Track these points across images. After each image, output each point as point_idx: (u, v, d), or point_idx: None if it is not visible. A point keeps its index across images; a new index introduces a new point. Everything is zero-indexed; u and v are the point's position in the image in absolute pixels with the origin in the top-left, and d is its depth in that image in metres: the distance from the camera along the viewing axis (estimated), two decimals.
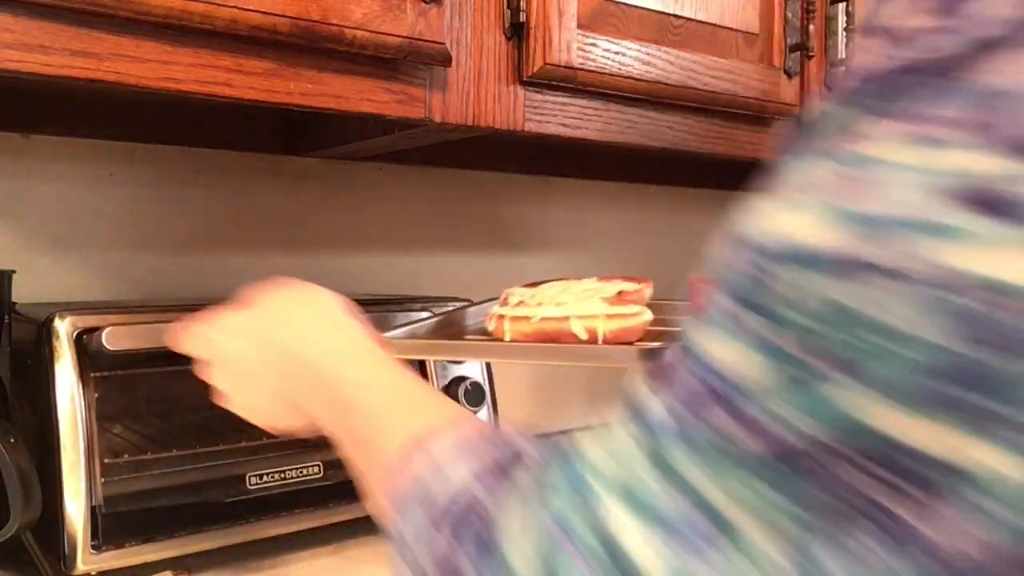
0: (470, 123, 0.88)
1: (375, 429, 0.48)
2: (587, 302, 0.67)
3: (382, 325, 0.96)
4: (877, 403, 0.26)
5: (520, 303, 0.70)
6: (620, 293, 0.70)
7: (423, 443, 0.42)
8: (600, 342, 0.63)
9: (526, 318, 0.65)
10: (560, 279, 0.79)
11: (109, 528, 0.77)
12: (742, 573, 0.28)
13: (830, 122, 0.31)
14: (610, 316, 0.64)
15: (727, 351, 0.29)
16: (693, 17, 1.03)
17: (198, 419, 0.87)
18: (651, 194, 1.60)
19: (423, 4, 0.80)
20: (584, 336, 0.63)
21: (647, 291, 0.74)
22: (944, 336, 0.25)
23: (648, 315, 0.66)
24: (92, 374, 0.78)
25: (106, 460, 0.79)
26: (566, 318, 0.64)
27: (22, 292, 0.90)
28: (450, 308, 0.88)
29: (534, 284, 0.79)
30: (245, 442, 0.87)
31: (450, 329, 0.78)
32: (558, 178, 1.45)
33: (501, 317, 0.67)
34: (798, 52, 1.15)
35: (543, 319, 0.65)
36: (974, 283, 0.25)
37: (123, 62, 0.68)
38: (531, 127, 0.93)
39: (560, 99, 0.95)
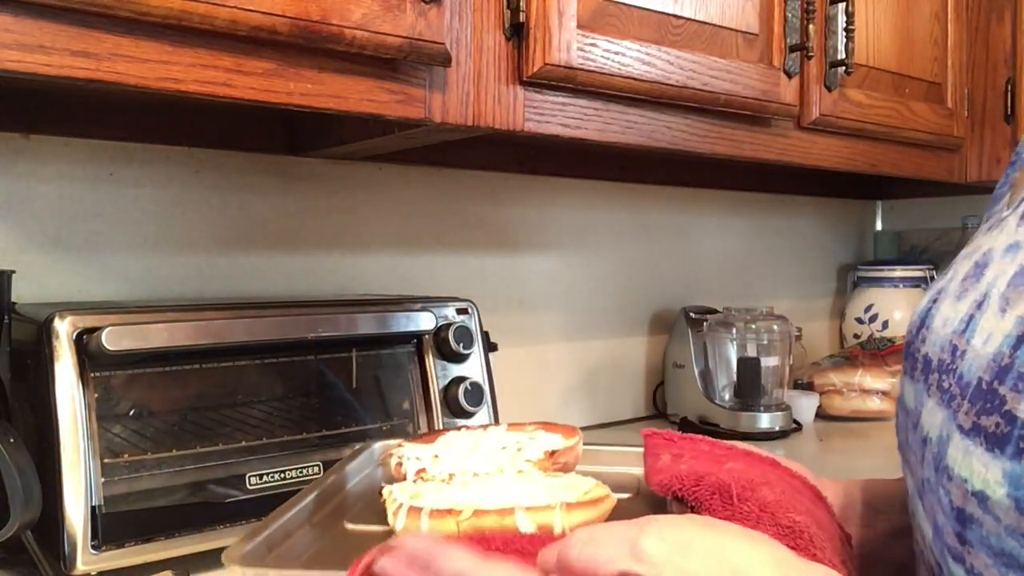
0: (470, 123, 0.88)
1: None
2: (524, 480, 0.51)
3: (382, 325, 0.96)
4: None
5: (420, 472, 0.53)
6: (552, 454, 0.56)
7: None
8: None
9: (450, 513, 0.46)
10: (463, 427, 0.62)
11: (109, 528, 0.77)
12: None
13: None
14: (572, 506, 0.47)
15: None
16: (693, 17, 1.03)
17: (198, 419, 0.87)
18: (651, 194, 1.60)
19: (423, 4, 0.80)
20: (529, 531, 0.47)
21: (580, 446, 0.59)
22: None
23: (613, 499, 0.50)
24: (92, 374, 0.79)
25: (106, 460, 0.79)
26: (509, 511, 0.46)
27: (22, 292, 0.90)
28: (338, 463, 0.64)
29: (426, 436, 0.61)
30: (245, 442, 0.87)
31: (331, 506, 0.56)
32: (558, 178, 1.45)
33: (415, 511, 0.47)
34: (798, 52, 1.15)
35: (476, 513, 0.46)
36: None
37: (123, 62, 0.68)
38: (531, 127, 0.93)
39: (560, 99, 0.95)
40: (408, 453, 0.57)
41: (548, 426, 0.62)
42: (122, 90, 0.70)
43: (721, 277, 1.72)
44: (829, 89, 1.21)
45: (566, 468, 0.57)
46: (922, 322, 0.47)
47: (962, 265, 0.46)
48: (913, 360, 0.47)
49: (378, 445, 0.64)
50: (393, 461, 0.57)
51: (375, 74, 0.81)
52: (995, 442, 0.35)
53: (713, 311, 1.52)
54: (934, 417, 0.41)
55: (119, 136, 1.04)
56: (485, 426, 0.63)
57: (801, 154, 1.23)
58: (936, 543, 0.40)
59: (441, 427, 0.98)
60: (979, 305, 0.41)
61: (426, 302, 1.01)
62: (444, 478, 0.53)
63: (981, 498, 0.35)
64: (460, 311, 1.03)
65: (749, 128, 1.15)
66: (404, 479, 0.55)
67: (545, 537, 0.42)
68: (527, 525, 0.45)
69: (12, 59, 0.63)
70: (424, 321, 0.98)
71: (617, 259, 1.55)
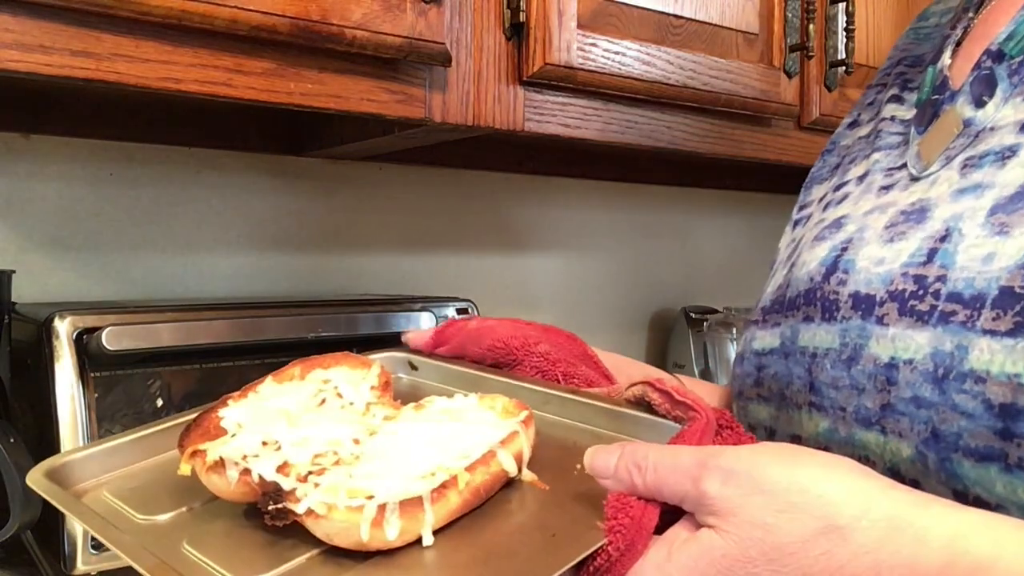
0: (470, 123, 0.88)
1: None
2: (420, 422, 0.46)
3: (382, 325, 0.96)
4: None
5: (283, 468, 0.41)
6: (385, 386, 0.52)
7: None
8: (524, 466, 0.44)
9: (445, 487, 0.39)
10: (227, 399, 0.50)
11: None
12: None
13: None
14: (526, 423, 0.45)
15: None
16: (693, 17, 1.03)
17: None
18: (651, 194, 1.60)
19: (423, 4, 0.80)
20: (514, 470, 0.43)
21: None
22: None
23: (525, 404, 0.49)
24: (92, 374, 0.79)
25: None
26: (491, 455, 0.42)
27: (22, 292, 0.90)
28: None
29: (204, 423, 0.47)
30: None
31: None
32: (558, 178, 1.45)
33: (411, 505, 0.38)
34: (798, 52, 1.15)
35: (469, 468, 0.41)
36: None
37: (123, 62, 0.68)
38: (531, 127, 0.93)
39: (560, 99, 0.95)
40: (234, 455, 0.42)
41: (314, 361, 0.53)
42: (122, 90, 0.70)
43: (721, 277, 1.72)
44: (829, 89, 1.21)
45: (394, 392, 0.53)
46: (831, 268, 0.51)
47: (871, 219, 0.51)
48: (827, 302, 0.50)
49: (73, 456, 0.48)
50: (232, 474, 0.41)
51: (375, 74, 0.81)
52: None
53: (713, 311, 1.52)
54: (906, 341, 0.44)
55: (119, 136, 1.04)
56: (245, 390, 0.52)
57: (801, 154, 1.23)
58: (924, 459, 0.42)
59: None
60: (943, 239, 0.45)
61: (426, 302, 1.01)
62: (331, 462, 0.42)
63: None
64: (460, 311, 1.03)
65: (749, 128, 1.15)
66: (256, 491, 0.41)
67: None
68: (510, 462, 0.43)
69: (12, 59, 0.63)
70: (424, 321, 0.98)
71: (617, 259, 1.55)
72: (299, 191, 1.19)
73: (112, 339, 0.77)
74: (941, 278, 0.43)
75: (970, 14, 0.56)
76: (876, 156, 0.57)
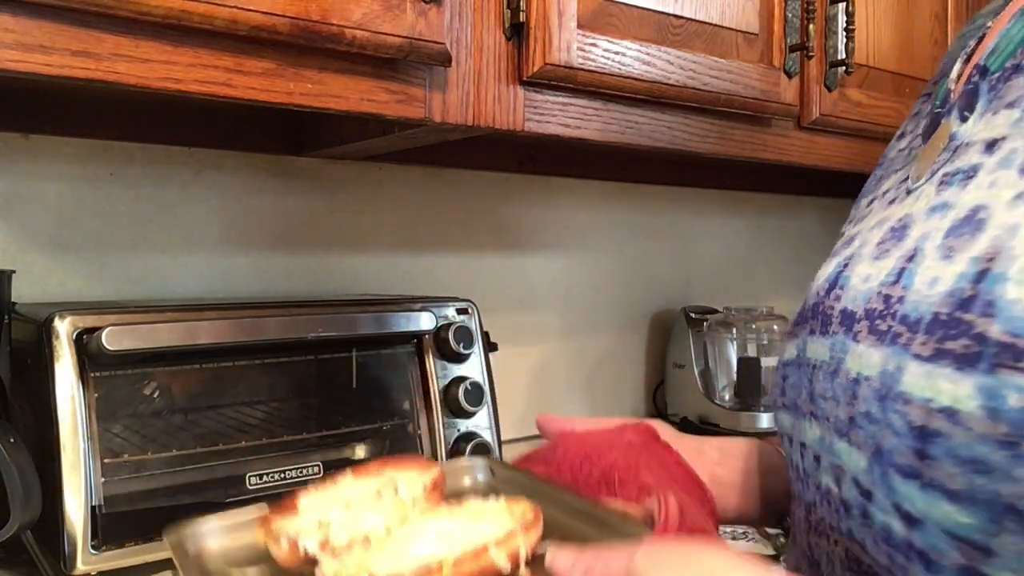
0: (470, 123, 0.88)
1: None
2: (446, 520, 0.54)
3: (382, 325, 0.96)
4: None
5: (324, 544, 0.52)
6: (434, 488, 0.58)
7: None
8: (523, 564, 0.48)
9: (432, 571, 0.46)
10: (310, 488, 0.61)
11: (109, 528, 0.77)
12: None
13: None
14: (527, 528, 0.50)
15: None
16: (693, 17, 1.03)
17: (198, 419, 0.87)
18: (651, 194, 1.60)
19: (423, 4, 0.80)
20: (506, 566, 0.47)
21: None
22: None
23: (539, 509, 0.53)
24: (92, 374, 0.79)
25: (106, 460, 0.79)
26: (483, 550, 0.47)
27: (22, 292, 0.90)
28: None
29: (284, 508, 0.57)
30: (245, 442, 0.87)
31: None
32: (558, 178, 1.45)
33: None
34: (798, 52, 1.15)
35: (456, 564, 0.46)
36: None
37: (123, 62, 0.68)
38: (531, 127, 0.92)
39: (560, 99, 0.95)
40: (290, 530, 0.52)
41: (391, 462, 0.63)
42: (122, 90, 0.70)
43: (721, 277, 1.72)
44: (829, 89, 1.21)
45: (444, 496, 0.60)
46: (833, 284, 0.53)
47: (872, 235, 0.52)
48: (825, 317, 0.52)
49: (211, 520, 0.57)
50: (284, 544, 0.52)
51: (375, 74, 0.81)
52: (965, 361, 0.39)
53: (713, 311, 1.52)
54: (868, 358, 0.45)
55: (119, 136, 1.04)
56: (326, 480, 0.61)
57: (801, 154, 1.23)
58: (873, 471, 0.43)
59: (425, 431, 0.98)
60: (910, 259, 0.46)
61: (426, 302, 1.01)
62: (359, 543, 0.51)
63: (949, 413, 0.39)
64: (460, 311, 1.03)
65: (749, 128, 1.15)
66: (302, 560, 0.51)
67: None
68: (501, 559, 0.47)
69: (12, 59, 0.63)
70: (424, 321, 0.98)
71: (617, 259, 1.55)
72: (299, 191, 1.19)
73: (112, 339, 0.77)
74: (900, 299, 0.44)
75: (988, 23, 0.55)
76: (902, 172, 0.57)
